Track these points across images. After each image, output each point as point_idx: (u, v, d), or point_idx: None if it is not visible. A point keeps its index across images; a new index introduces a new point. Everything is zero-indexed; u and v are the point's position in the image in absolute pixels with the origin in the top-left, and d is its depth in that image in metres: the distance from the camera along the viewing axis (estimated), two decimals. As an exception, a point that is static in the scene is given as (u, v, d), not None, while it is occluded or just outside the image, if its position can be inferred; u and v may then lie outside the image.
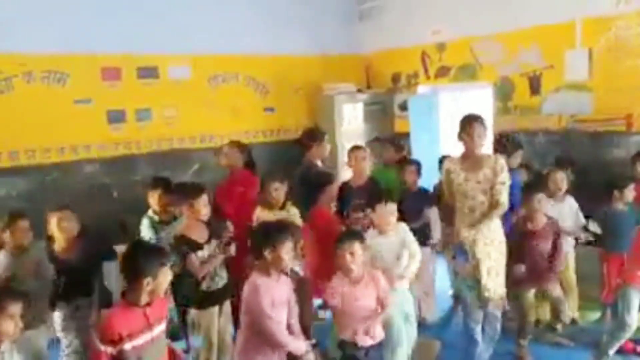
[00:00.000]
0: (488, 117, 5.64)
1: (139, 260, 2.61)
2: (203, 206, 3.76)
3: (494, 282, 3.79)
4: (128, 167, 5.85)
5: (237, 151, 5.00)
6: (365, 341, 3.30)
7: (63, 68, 5.46)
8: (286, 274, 3.15)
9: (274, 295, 2.97)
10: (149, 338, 2.62)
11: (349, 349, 3.32)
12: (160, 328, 2.71)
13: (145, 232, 4.36)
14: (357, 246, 3.25)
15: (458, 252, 3.89)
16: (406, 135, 6.96)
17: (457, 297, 5.21)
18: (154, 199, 4.46)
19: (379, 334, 3.38)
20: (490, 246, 3.78)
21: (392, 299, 3.45)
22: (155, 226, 4.33)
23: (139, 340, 2.57)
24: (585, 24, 5.25)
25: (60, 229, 3.77)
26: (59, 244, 3.81)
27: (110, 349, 2.49)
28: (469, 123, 3.77)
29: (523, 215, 4.18)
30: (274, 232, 3.01)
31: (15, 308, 2.47)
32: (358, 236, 3.37)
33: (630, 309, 3.82)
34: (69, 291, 3.74)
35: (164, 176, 4.86)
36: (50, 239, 3.84)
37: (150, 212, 4.44)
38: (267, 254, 2.95)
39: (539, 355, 4.22)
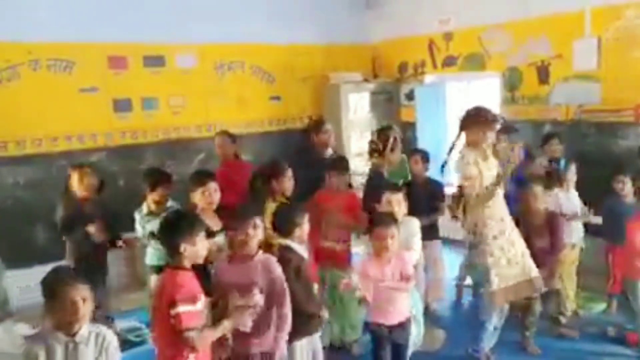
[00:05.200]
0: (495, 107, 5.64)
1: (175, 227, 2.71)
2: (214, 192, 3.69)
3: (499, 276, 3.73)
4: (134, 156, 5.87)
5: (230, 141, 5.12)
6: (389, 320, 3.35)
7: (69, 56, 5.46)
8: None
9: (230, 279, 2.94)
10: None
11: (374, 330, 3.40)
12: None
13: (137, 226, 4.32)
14: (395, 229, 3.31)
15: (477, 244, 3.77)
16: (412, 125, 6.95)
17: (459, 287, 5.24)
18: (152, 191, 4.33)
19: (403, 312, 3.40)
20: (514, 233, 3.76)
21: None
22: (144, 218, 4.25)
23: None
24: (595, 13, 5.19)
25: (81, 184, 3.99)
26: (80, 194, 4.02)
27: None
28: (492, 123, 3.68)
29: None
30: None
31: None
32: (395, 220, 3.42)
33: None
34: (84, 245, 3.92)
35: (160, 168, 4.82)
36: (69, 192, 4.05)
37: (144, 205, 4.31)
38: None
39: (545, 347, 4.22)
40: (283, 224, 3.25)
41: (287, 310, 2.96)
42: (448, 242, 5.31)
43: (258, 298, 2.86)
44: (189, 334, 2.55)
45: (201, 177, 3.74)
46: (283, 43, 6.77)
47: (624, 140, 5.10)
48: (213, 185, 3.68)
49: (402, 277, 3.31)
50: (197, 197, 3.67)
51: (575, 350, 4.20)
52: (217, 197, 3.71)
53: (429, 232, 4.49)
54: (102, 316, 3.99)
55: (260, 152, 6.31)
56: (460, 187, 3.92)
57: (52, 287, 2.32)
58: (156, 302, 2.70)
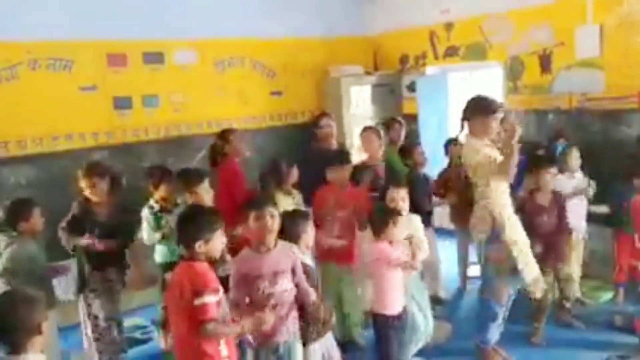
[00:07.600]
0: (498, 96, 5.60)
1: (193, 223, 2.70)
2: (205, 192, 3.86)
3: (528, 265, 3.68)
4: (136, 154, 5.83)
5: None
6: (391, 310, 3.43)
7: (68, 55, 5.43)
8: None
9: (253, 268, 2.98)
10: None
11: (379, 321, 3.46)
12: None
13: (145, 222, 4.28)
14: (398, 219, 3.43)
15: (494, 236, 3.65)
16: (414, 116, 6.91)
17: (464, 278, 5.23)
18: (156, 188, 4.37)
19: (401, 301, 3.50)
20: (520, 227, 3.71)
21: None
22: (156, 215, 4.24)
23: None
24: (596, -1, 5.15)
25: (93, 191, 4.00)
26: (93, 200, 4.04)
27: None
28: (494, 112, 3.61)
29: (530, 191, 4.13)
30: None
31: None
32: (397, 211, 3.52)
33: None
34: (101, 259, 3.95)
35: (161, 165, 4.82)
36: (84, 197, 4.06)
37: (151, 201, 4.33)
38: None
39: (551, 336, 4.20)
40: (288, 233, 3.22)
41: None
42: (442, 232, 5.32)
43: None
44: (210, 325, 2.53)
45: (183, 178, 4.00)
46: (283, 37, 6.72)
47: (628, 128, 5.05)
48: (205, 186, 3.89)
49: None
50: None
51: (582, 339, 4.18)
52: (208, 197, 3.88)
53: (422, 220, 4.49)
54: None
55: (261, 148, 6.28)
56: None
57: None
58: (174, 295, 2.65)
